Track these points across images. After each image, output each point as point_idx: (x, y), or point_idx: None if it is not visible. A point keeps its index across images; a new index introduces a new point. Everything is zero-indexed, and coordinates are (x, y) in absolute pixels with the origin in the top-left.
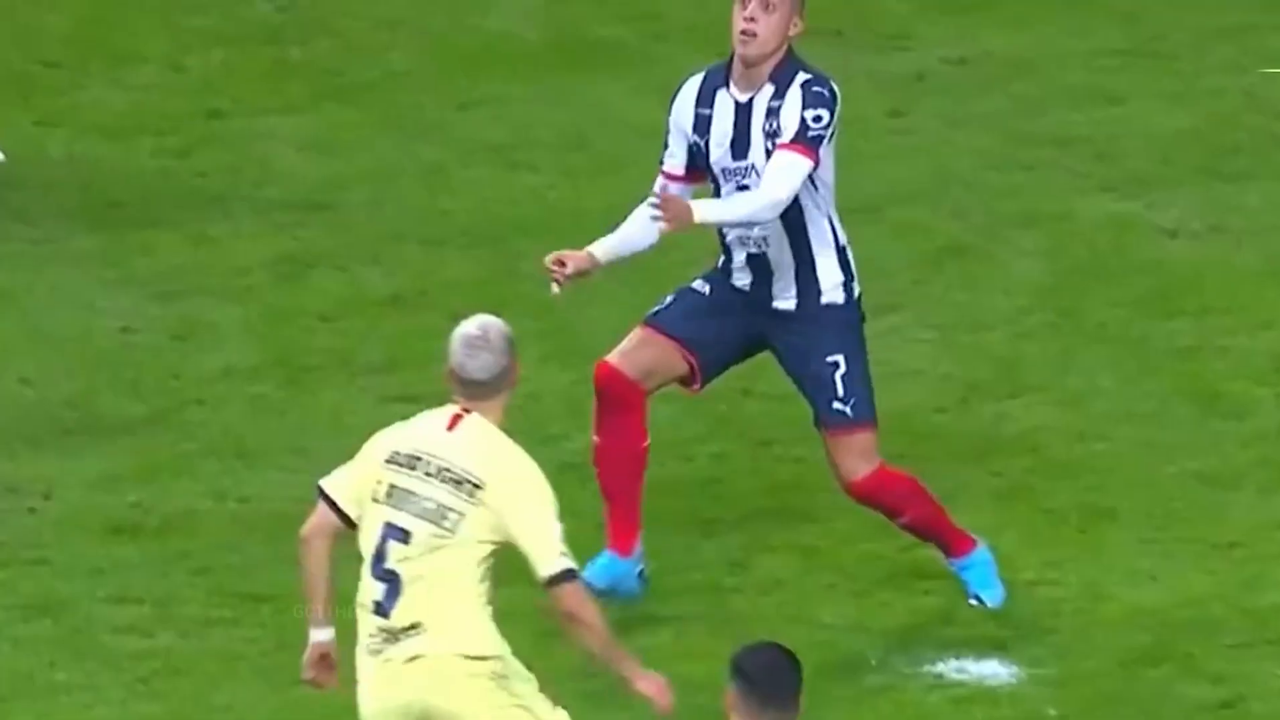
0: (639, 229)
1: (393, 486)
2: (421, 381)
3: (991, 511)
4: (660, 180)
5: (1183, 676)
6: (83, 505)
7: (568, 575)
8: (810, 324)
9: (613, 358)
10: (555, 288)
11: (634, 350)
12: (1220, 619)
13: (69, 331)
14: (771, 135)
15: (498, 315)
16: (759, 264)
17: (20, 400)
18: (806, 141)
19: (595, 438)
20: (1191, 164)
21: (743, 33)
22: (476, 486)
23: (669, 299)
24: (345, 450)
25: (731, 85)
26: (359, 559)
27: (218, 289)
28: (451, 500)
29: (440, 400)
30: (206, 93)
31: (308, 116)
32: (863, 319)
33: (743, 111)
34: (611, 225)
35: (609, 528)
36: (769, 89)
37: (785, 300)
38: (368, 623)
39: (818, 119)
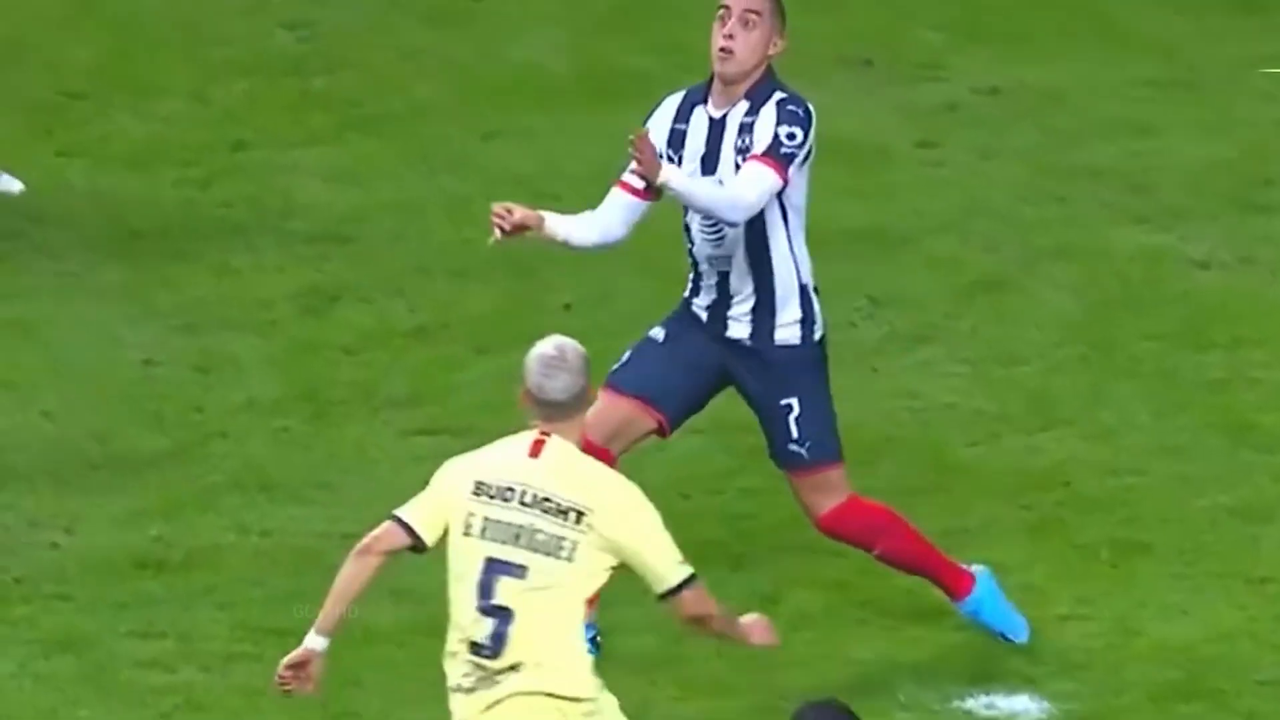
0: (588, 230)
1: (488, 520)
2: (446, 415)
3: (1023, 546)
4: (615, 189)
5: (1214, 713)
6: (105, 540)
7: (689, 581)
8: (764, 364)
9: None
10: (496, 234)
11: (598, 415)
12: (1252, 654)
13: (91, 364)
14: (742, 151)
15: (522, 349)
16: (721, 286)
17: (42, 434)
18: (777, 156)
19: None
20: (1224, 195)
21: (721, 50)
22: (582, 514)
23: (627, 355)
24: (369, 484)
25: (709, 102)
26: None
27: (241, 321)
28: (560, 529)
29: (465, 433)
30: (230, 124)
31: (331, 148)
32: (825, 357)
33: (716, 127)
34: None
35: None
36: (744, 105)
37: (739, 330)
38: (462, 661)
39: (791, 136)
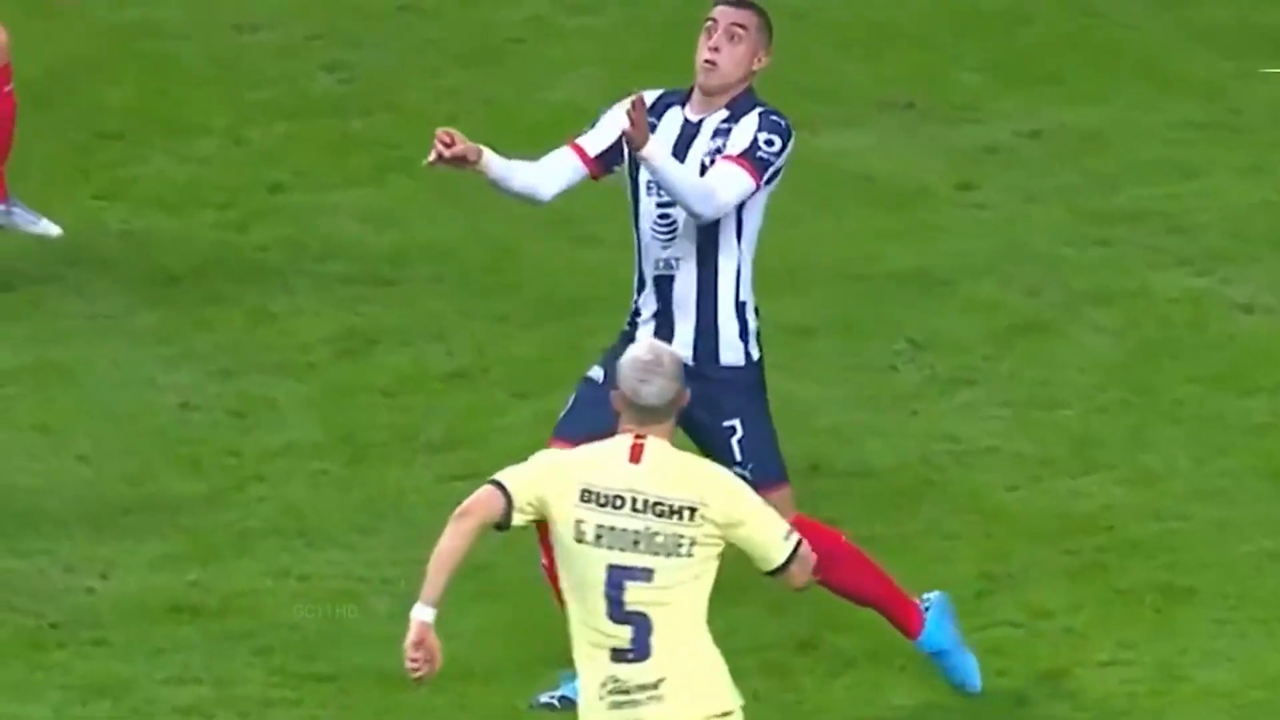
0: (534, 177)
1: (601, 527)
2: (484, 459)
3: (1065, 590)
4: (565, 148)
5: None
6: (142, 585)
7: (796, 551)
8: (706, 387)
9: None
10: (432, 157)
11: None
12: None
13: (128, 408)
14: (715, 153)
15: (561, 394)
16: (664, 294)
17: (78, 478)
18: (753, 160)
19: (544, 560)
20: (1267, 238)
21: (706, 61)
22: (694, 509)
23: (570, 401)
24: (407, 528)
25: (687, 106)
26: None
27: (278, 365)
28: (677, 529)
29: None
30: (267, 166)
31: (370, 190)
32: (764, 378)
33: (689, 128)
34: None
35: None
36: (723, 113)
37: (683, 347)
38: (604, 669)
39: (770, 143)
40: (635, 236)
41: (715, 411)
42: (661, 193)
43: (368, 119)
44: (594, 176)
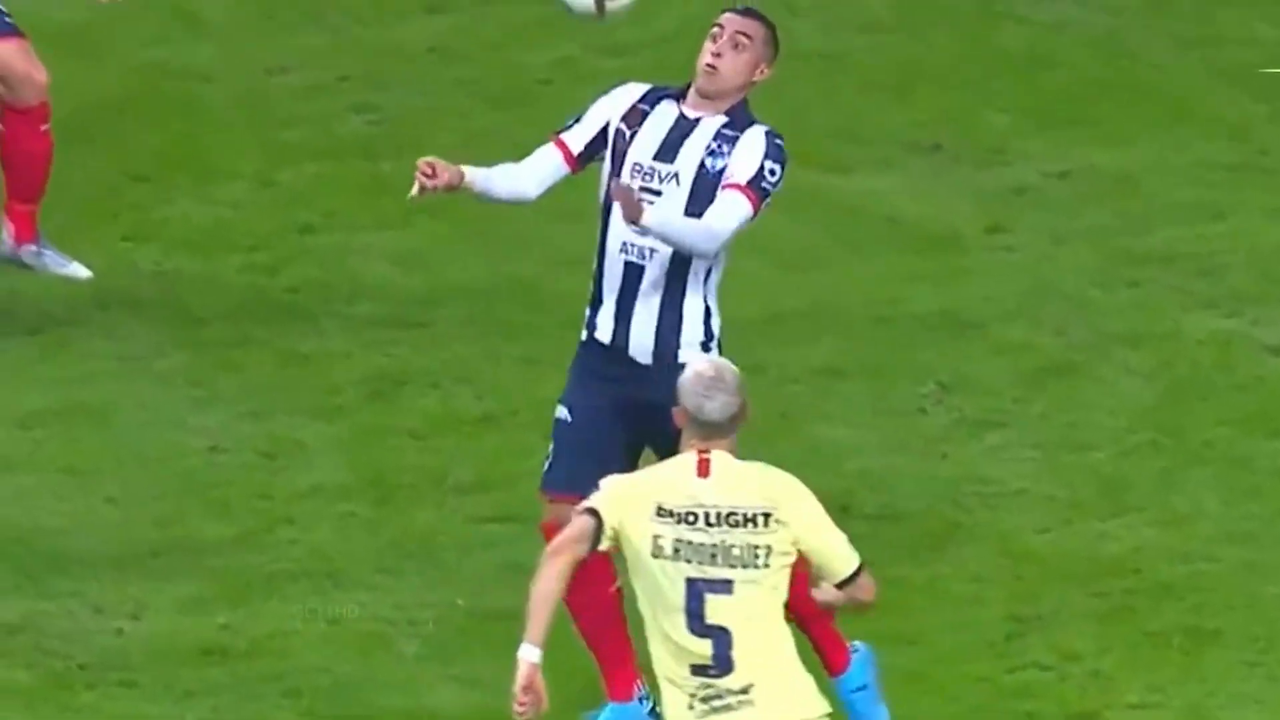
0: (518, 182)
1: (679, 541)
2: (514, 501)
3: (1094, 633)
4: (550, 146)
5: None
6: (171, 627)
7: (863, 568)
8: (665, 390)
9: (550, 520)
10: (415, 190)
11: (561, 513)
12: None
13: (157, 450)
14: (715, 155)
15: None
16: (629, 283)
17: (107, 520)
18: (757, 189)
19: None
20: None
21: (708, 65)
22: (768, 515)
23: (551, 449)
24: (436, 570)
25: (682, 102)
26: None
27: (308, 407)
28: (753, 538)
29: (533, 519)
30: (297, 208)
31: (400, 231)
32: None
33: (685, 122)
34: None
35: (604, 679)
36: (721, 118)
37: (643, 350)
38: (688, 681)
39: (773, 172)
40: (603, 219)
41: (665, 421)
42: (648, 177)
43: (397, 161)
44: (574, 171)
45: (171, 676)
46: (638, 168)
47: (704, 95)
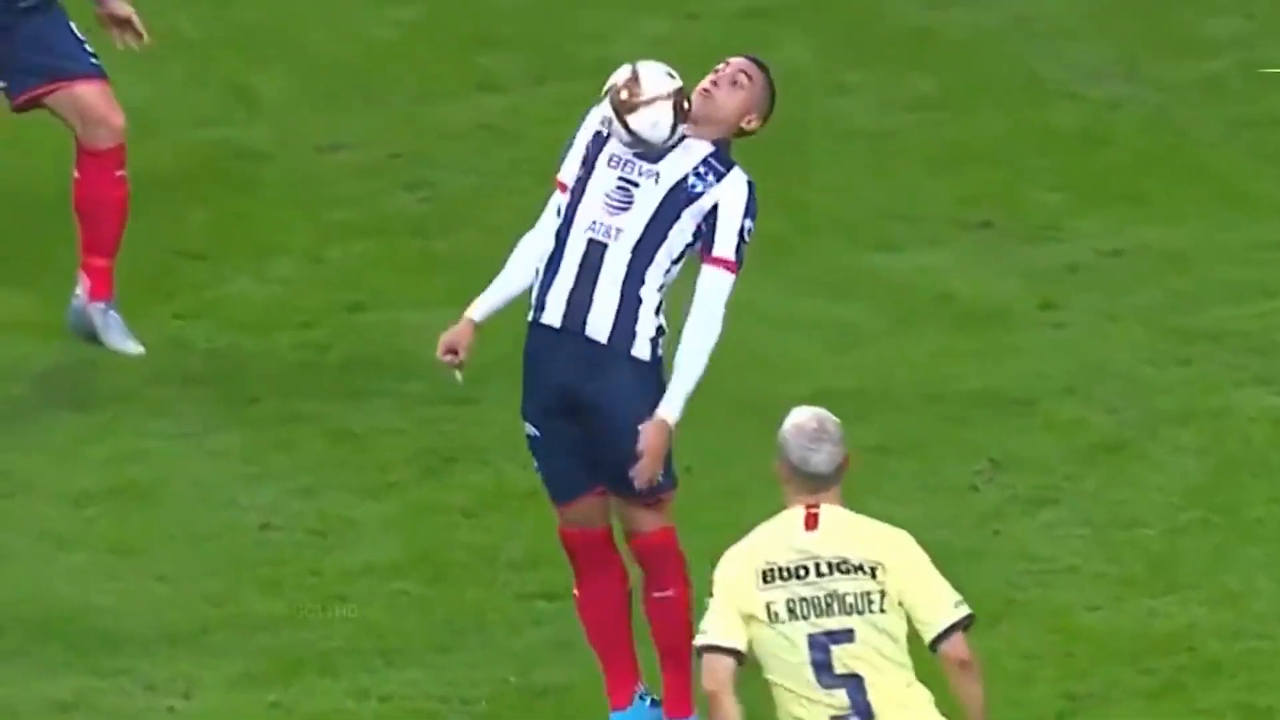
0: (518, 282)
1: (791, 600)
2: (565, 578)
3: (1145, 710)
4: (556, 192)
5: None
6: (223, 705)
7: (966, 622)
8: (616, 393)
9: (565, 526)
10: (458, 375)
11: (569, 517)
12: None
13: (208, 528)
14: (700, 180)
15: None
16: (593, 262)
17: (159, 598)
18: (739, 257)
19: (575, 591)
20: None
21: (704, 90)
22: (875, 568)
23: (537, 468)
24: (488, 647)
25: None
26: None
27: (359, 485)
28: (863, 585)
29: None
30: (348, 286)
31: (450, 309)
32: (661, 387)
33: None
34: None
35: (607, 684)
36: (709, 146)
37: (599, 328)
38: None
39: (750, 231)
40: (571, 201)
41: (615, 420)
42: (627, 167)
43: (449, 238)
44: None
45: None
46: (616, 159)
47: (692, 120)
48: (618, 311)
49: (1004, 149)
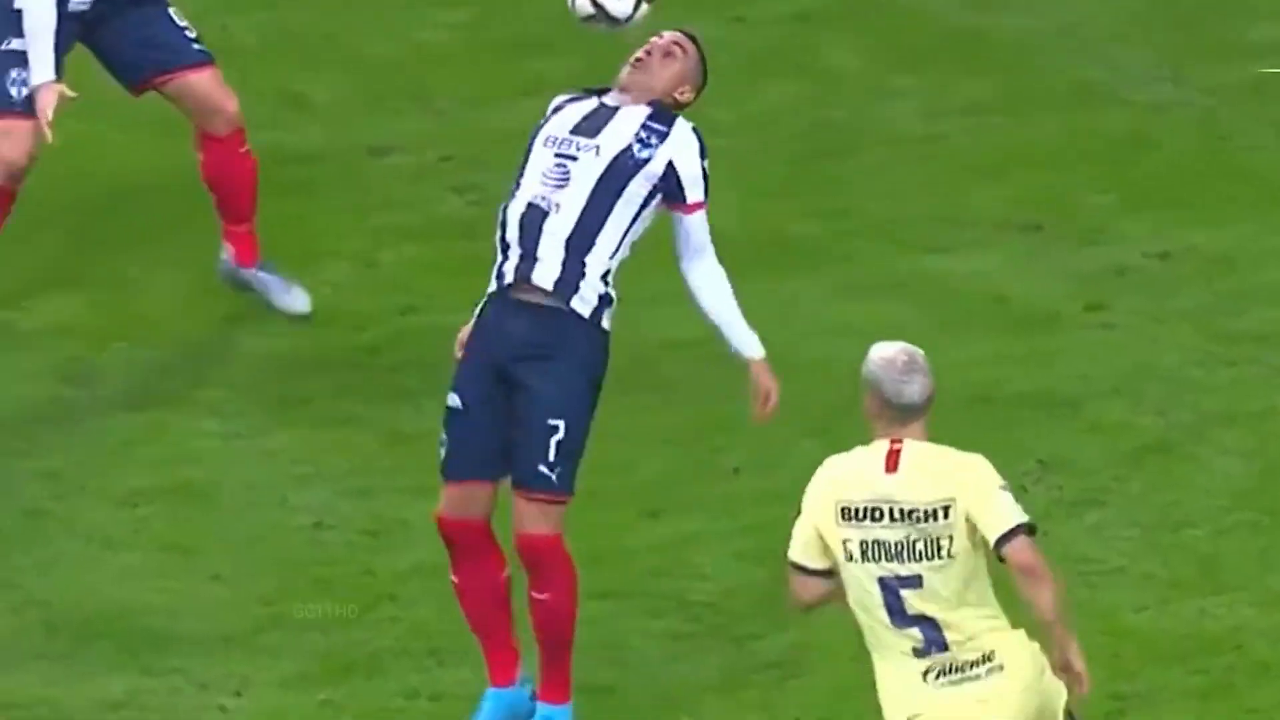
0: None
1: (864, 543)
2: (615, 578)
3: (1194, 711)
4: None
5: None
6: (274, 704)
7: (1021, 529)
8: (548, 348)
9: (443, 512)
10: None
11: (453, 502)
12: None
13: (260, 528)
14: (645, 146)
15: (693, 513)
16: (534, 227)
17: (211, 598)
18: (706, 193)
19: (454, 578)
20: None
21: (637, 60)
22: (948, 507)
23: (443, 439)
24: (535, 647)
25: (603, 97)
26: None
27: (411, 486)
28: (936, 531)
29: (636, 595)
30: (399, 289)
31: None
32: (602, 368)
33: (606, 109)
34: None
35: (487, 664)
36: (645, 109)
37: (544, 276)
38: (918, 664)
39: (707, 171)
40: (511, 190)
41: (545, 401)
42: (564, 145)
43: None
44: None
45: None
46: (552, 139)
47: (625, 90)
48: (563, 265)
49: (1053, 153)
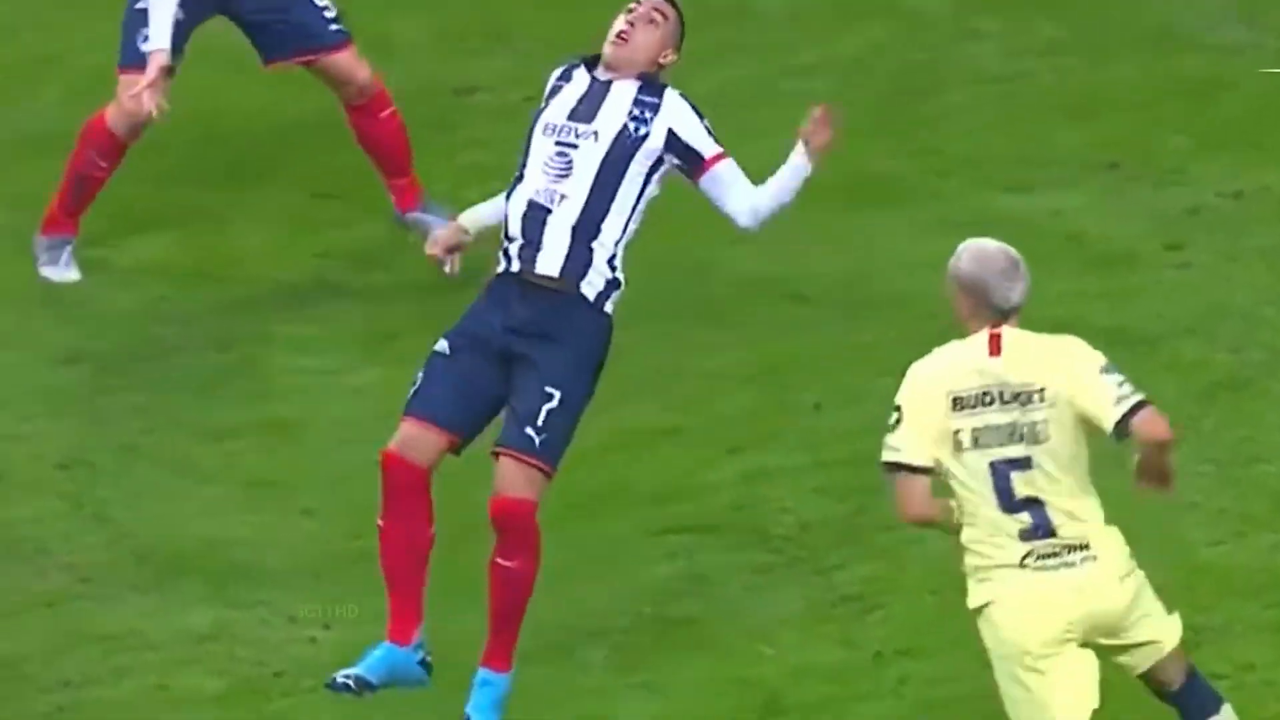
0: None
1: (975, 430)
2: (695, 513)
3: (1268, 644)
4: None
5: None
6: (363, 637)
7: (1139, 406)
8: (551, 327)
9: (392, 447)
10: (447, 269)
11: (404, 440)
12: None
13: (348, 464)
14: (640, 123)
15: (771, 449)
16: (537, 222)
17: (302, 532)
18: (719, 142)
19: (381, 523)
20: None
21: (619, 35)
22: (1049, 389)
23: (419, 378)
24: (620, 578)
25: (593, 70)
26: None
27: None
28: (1042, 414)
29: (715, 530)
30: None
31: None
32: (604, 351)
33: (599, 86)
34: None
35: (390, 615)
36: (635, 82)
37: (551, 261)
38: (1017, 549)
39: (708, 125)
40: (515, 178)
41: (545, 370)
42: (564, 133)
43: None
44: None
45: None
46: (551, 127)
47: (612, 66)
48: (569, 251)
49: (1132, 94)
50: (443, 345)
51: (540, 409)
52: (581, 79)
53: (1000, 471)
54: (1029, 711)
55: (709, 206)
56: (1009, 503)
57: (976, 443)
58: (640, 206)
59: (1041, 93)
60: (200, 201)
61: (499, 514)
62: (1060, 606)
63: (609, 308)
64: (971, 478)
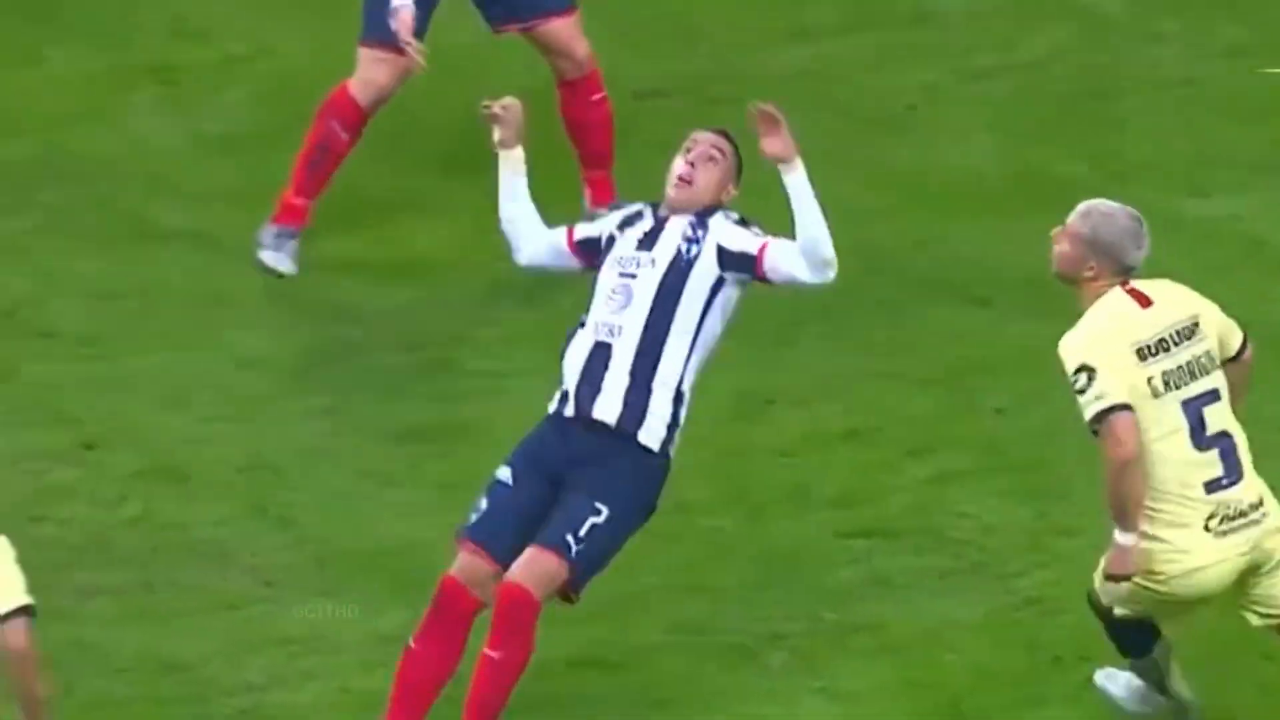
0: (529, 225)
1: (1166, 373)
2: (879, 516)
3: None
4: (561, 228)
5: None
6: (543, 639)
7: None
8: (609, 462)
9: (455, 574)
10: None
11: (467, 568)
12: None
13: None
14: (691, 243)
15: (954, 452)
16: (601, 358)
17: None
18: (762, 232)
19: (413, 643)
20: None
21: (681, 178)
22: (1199, 322)
23: (483, 503)
24: (801, 583)
25: (658, 211)
26: None
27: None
28: (1206, 346)
29: (897, 535)
30: None
31: None
32: (660, 484)
33: (659, 221)
34: None
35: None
36: (690, 217)
37: (608, 408)
38: (1203, 508)
39: (749, 222)
40: (587, 303)
41: (596, 490)
42: (627, 264)
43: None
44: (571, 252)
45: (544, 687)
46: (621, 260)
47: (673, 208)
48: (627, 393)
49: None
50: (504, 474)
51: (585, 520)
52: (648, 218)
53: (1192, 409)
54: (1152, 607)
55: (899, 205)
56: (1201, 439)
57: (1168, 385)
58: (704, 334)
59: (1220, 96)
60: (391, 201)
61: (505, 599)
62: (1236, 566)
63: (671, 451)
64: (1166, 424)
